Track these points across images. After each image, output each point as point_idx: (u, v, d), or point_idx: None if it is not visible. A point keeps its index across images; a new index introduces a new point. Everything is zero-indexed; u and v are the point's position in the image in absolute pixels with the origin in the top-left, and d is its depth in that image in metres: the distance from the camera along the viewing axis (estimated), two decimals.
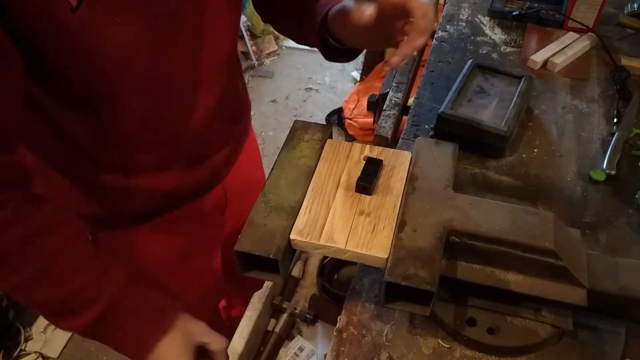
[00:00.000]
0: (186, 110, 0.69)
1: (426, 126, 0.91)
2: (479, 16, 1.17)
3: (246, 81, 2.83)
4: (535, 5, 1.13)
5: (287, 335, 1.50)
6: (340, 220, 0.59)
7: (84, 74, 0.56)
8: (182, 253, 0.89)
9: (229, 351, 0.99)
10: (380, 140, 0.90)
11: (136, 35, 0.55)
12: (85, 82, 0.57)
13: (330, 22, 0.65)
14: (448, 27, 1.14)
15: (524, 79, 0.87)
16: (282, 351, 1.49)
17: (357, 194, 0.61)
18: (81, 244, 0.60)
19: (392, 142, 0.92)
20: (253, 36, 2.92)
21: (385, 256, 0.55)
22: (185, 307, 0.92)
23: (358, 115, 2.28)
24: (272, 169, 0.64)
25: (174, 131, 0.71)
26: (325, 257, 1.73)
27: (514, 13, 1.13)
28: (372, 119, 1.24)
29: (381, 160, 0.64)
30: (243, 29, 2.83)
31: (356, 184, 0.61)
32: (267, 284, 1.16)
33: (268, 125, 2.58)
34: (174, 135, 0.71)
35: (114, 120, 0.64)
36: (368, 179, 0.61)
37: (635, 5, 1.09)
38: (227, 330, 1.13)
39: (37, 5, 0.47)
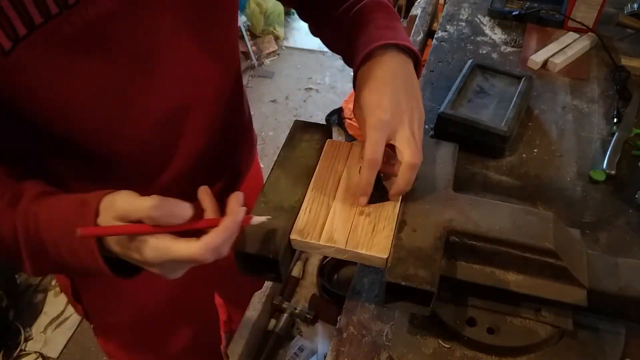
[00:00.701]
0: (168, 148, 0.64)
1: (426, 126, 0.91)
2: (479, 16, 1.17)
3: (246, 81, 2.84)
4: (535, 5, 1.13)
5: (287, 335, 1.50)
6: (340, 220, 0.59)
7: (36, 117, 0.51)
8: (178, 291, 0.83)
9: (229, 352, 0.99)
10: None
11: (90, 78, 0.51)
12: (41, 124, 0.52)
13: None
14: (448, 27, 1.14)
15: (524, 79, 0.87)
16: (282, 351, 1.49)
17: (357, 193, 0.61)
18: None
19: None
20: (253, 36, 2.92)
21: (385, 256, 0.55)
22: (185, 340, 0.90)
23: None
24: (272, 169, 0.64)
25: (156, 170, 0.65)
26: (325, 257, 1.73)
27: (514, 13, 1.13)
28: None
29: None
30: (243, 29, 2.83)
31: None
32: (267, 284, 1.16)
33: (268, 125, 2.58)
34: (154, 176, 0.65)
35: (88, 160, 0.58)
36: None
37: (635, 5, 1.09)
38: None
39: None
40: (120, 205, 0.47)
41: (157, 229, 0.46)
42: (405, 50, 0.60)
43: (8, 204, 0.51)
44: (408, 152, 0.55)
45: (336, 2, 0.67)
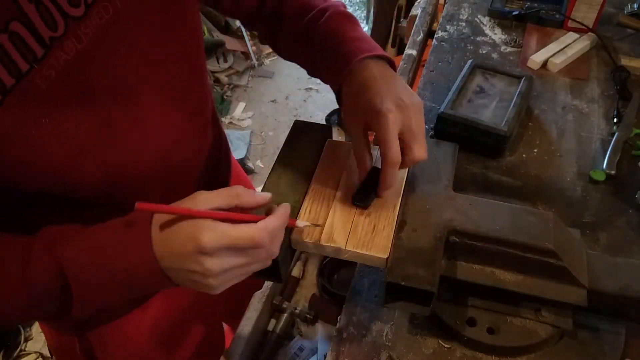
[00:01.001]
0: (159, 180, 0.62)
1: (426, 126, 0.90)
2: (479, 16, 1.17)
3: (246, 81, 2.84)
4: (535, 5, 1.13)
5: (287, 335, 1.50)
6: (340, 220, 0.59)
7: (21, 175, 0.48)
8: (181, 318, 0.82)
9: (229, 351, 0.99)
10: None
11: (74, 126, 0.48)
12: (26, 183, 0.49)
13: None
14: (448, 27, 1.14)
15: (524, 79, 0.87)
16: (282, 351, 1.49)
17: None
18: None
19: None
20: (253, 36, 2.92)
21: (385, 256, 0.55)
22: (188, 350, 0.86)
23: None
24: (272, 169, 0.64)
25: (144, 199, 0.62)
26: (325, 257, 1.73)
27: (514, 13, 1.13)
28: None
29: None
30: (243, 30, 2.83)
31: (352, 200, 0.60)
32: (267, 284, 1.16)
33: (268, 125, 2.58)
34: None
35: (79, 212, 0.55)
36: (365, 198, 0.59)
37: (635, 5, 1.09)
38: None
39: None
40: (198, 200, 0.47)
41: (213, 213, 0.47)
42: (379, 57, 0.61)
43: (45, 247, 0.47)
44: (417, 148, 0.56)
45: (300, 14, 0.67)
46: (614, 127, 0.87)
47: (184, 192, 0.51)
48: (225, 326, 1.15)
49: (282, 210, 0.50)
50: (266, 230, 0.47)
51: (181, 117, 0.61)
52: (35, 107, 0.44)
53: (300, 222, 0.56)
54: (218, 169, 0.79)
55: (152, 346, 0.79)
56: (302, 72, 2.92)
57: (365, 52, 0.60)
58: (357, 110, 0.58)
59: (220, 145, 0.79)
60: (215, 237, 0.45)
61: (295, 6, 0.67)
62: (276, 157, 0.66)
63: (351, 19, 0.65)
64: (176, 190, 0.58)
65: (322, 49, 0.64)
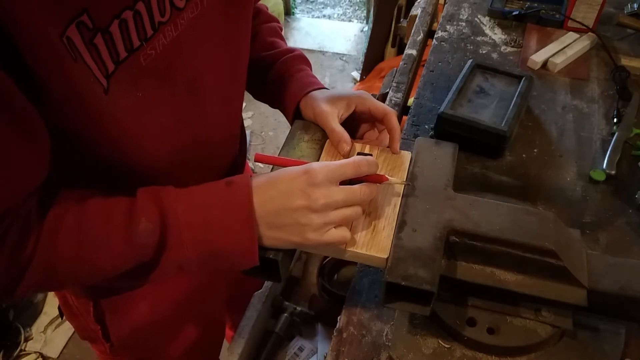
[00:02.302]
0: (204, 168, 0.67)
1: (426, 126, 0.91)
2: (479, 16, 1.17)
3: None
4: (535, 5, 1.13)
5: (287, 335, 1.50)
6: None
7: (112, 151, 0.52)
8: (190, 296, 0.85)
9: (229, 351, 0.99)
10: None
11: (159, 108, 0.53)
12: (113, 158, 0.53)
13: (301, 108, 0.69)
14: (448, 27, 1.14)
15: (524, 79, 0.87)
16: (282, 351, 1.49)
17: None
18: (104, 213, 0.51)
19: None
20: None
21: (385, 256, 0.55)
22: (188, 343, 0.90)
23: None
24: (272, 168, 0.64)
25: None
26: (325, 257, 1.73)
27: (514, 13, 1.13)
28: None
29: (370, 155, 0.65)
30: None
31: None
32: (267, 284, 1.16)
33: (268, 125, 2.58)
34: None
35: (127, 181, 0.57)
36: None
37: (635, 5, 1.09)
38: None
39: (73, 91, 0.44)
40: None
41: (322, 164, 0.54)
42: None
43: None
44: (381, 106, 0.66)
45: (267, 46, 0.76)
46: (614, 127, 0.88)
47: (211, 177, 0.57)
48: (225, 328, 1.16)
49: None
50: (365, 160, 0.55)
51: (233, 113, 0.69)
52: (135, 80, 0.48)
53: (393, 180, 0.60)
54: (242, 158, 0.84)
55: (157, 326, 0.82)
56: None
57: (319, 85, 0.70)
58: (331, 99, 0.66)
59: (243, 139, 0.84)
60: (323, 166, 0.53)
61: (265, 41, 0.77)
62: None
63: (308, 64, 0.76)
64: (205, 176, 0.64)
65: (286, 74, 0.72)
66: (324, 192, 0.52)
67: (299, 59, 0.75)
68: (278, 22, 0.82)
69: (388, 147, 0.67)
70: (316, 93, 0.68)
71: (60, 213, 0.49)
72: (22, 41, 0.38)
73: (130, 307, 0.77)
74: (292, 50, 0.76)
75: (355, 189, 0.54)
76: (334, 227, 0.54)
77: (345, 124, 0.67)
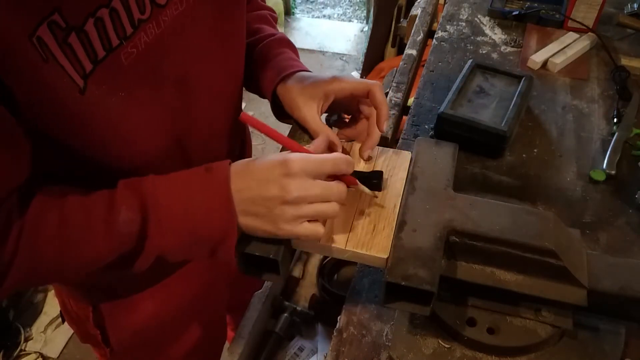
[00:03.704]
0: (194, 163, 0.66)
1: (426, 126, 0.91)
2: (479, 16, 1.17)
3: None
4: (535, 5, 1.13)
5: (287, 335, 1.50)
6: (340, 220, 0.59)
7: (96, 151, 0.52)
8: (191, 300, 0.84)
9: (229, 351, 0.99)
10: (380, 140, 0.89)
11: (145, 107, 0.52)
12: (98, 158, 0.53)
13: (279, 97, 0.67)
14: (448, 27, 1.14)
15: (524, 79, 0.87)
16: (282, 351, 1.49)
17: (357, 194, 0.61)
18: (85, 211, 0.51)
19: (392, 142, 0.92)
20: None
21: (385, 256, 0.55)
22: (189, 345, 0.89)
23: None
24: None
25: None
26: (325, 257, 1.73)
27: (514, 13, 1.13)
28: None
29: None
30: None
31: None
32: (267, 284, 1.16)
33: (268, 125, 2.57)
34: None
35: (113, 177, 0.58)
36: (377, 183, 0.62)
37: (635, 5, 1.09)
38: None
39: (44, 92, 0.43)
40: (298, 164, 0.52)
41: (304, 149, 0.56)
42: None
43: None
44: (362, 83, 0.63)
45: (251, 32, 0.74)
46: (614, 127, 0.87)
47: None
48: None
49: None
50: (345, 158, 0.54)
51: (230, 111, 0.67)
52: (116, 80, 0.48)
53: (362, 186, 0.58)
54: (240, 157, 0.83)
55: (157, 329, 0.82)
56: None
57: (301, 67, 0.68)
58: (306, 91, 0.63)
59: (244, 136, 0.84)
60: (301, 158, 0.52)
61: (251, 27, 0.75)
62: None
63: (293, 48, 0.74)
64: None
65: (263, 59, 0.70)
66: (298, 184, 0.51)
67: (278, 41, 0.72)
68: (271, 10, 0.80)
69: (388, 147, 0.67)
70: (292, 83, 0.65)
71: (42, 209, 0.49)
72: None
73: (130, 312, 0.77)
74: (273, 34, 0.74)
75: (332, 185, 0.54)
76: (308, 221, 0.53)
77: (340, 108, 0.67)
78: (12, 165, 0.45)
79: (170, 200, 0.51)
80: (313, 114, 0.63)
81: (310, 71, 0.68)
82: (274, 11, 0.81)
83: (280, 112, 0.69)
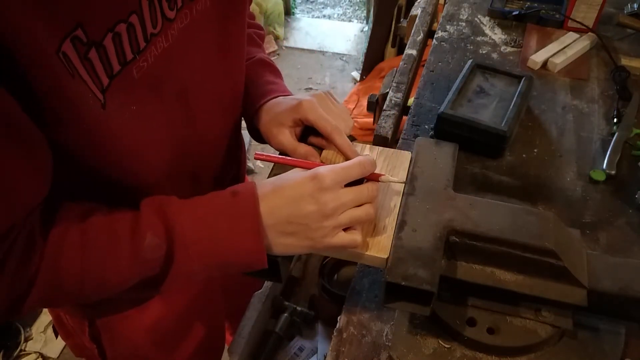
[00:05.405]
0: (195, 177, 0.67)
1: (426, 126, 0.91)
2: (479, 16, 1.17)
3: None
4: (535, 5, 1.13)
5: (287, 335, 1.50)
6: None
7: (109, 165, 0.52)
8: (188, 310, 0.84)
9: (229, 351, 0.99)
10: (380, 140, 0.90)
11: (152, 119, 0.52)
12: (111, 171, 0.53)
13: (258, 119, 0.67)
14: (448, 27, 1.14)
15: (524, 79, 0.87)
16: (282, 351, 1.49)
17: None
18: (108, 231, 0.50)
19: (392, 142, 0.92)
20: None
21: (385, 256, 0.55)
22: (191, 353, 0.89)
23: (358, 115, 2.28)
24: (272, 169, 0.64)
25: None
26: (325, 257, 1.73)
27: (514, 13, 1.13)
28: (372, 119, 1.24)
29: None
30: None
31: None
32: (267, 284, 1.16)
33: None
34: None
35: (121, 192, 0.57)
36: None
37: (635, 5, 1.09)
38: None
39: (72, 107, 0.43)
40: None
41: (317, 163, 0.58)
42: None
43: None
44: (324, 124, 0.62)
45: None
46: (614, 127, 0.87)
47: (205, 185, 0.59)
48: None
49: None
50: (367, 159, 0.55)
51: (230, 123, 0.68)
52: (128, 94, 0.48)
53: (386, 178, 0.59)
54: (237, 168, 0.83)
55: (155, 342, 0.81)
56: (302, 73, 2.93)
57: (281, 92, 0.68)
58: (277, 119, 0.64)
59: (241, 146, 0.84)
60: (330, 169, 0.53)
61: None
62: None
63: (272, 68, 0.75)
64: (204, 185, 0.66)
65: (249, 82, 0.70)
66: (332, 195, 0.52)
67: (254, 64, 0.73)
68: (258, 27, 0.80)
69: (388, 147, 0.67)
70: (263, 115, 0.66)
71: (64, 229, 0.48)
72: (21, 59, 0.38)
73: (126, 326, 0.76)
74: (252, 57, 0.74)
75: (362, 188, 0.54)
76: (344, 230, 0.54)
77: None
78: (33, 177, 0.45)
79: (196, 227, 0.51)
80: (287, 138, 0.63)
81: (286, 93, 0.69)
82: (261, 28, 0.81)
83: (257, 135, 0.70)
